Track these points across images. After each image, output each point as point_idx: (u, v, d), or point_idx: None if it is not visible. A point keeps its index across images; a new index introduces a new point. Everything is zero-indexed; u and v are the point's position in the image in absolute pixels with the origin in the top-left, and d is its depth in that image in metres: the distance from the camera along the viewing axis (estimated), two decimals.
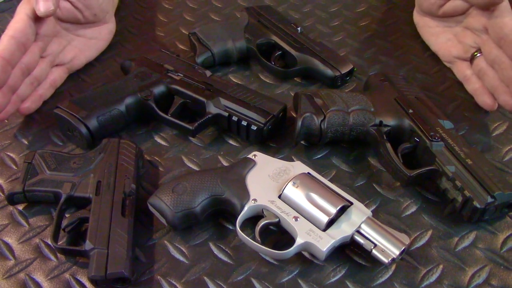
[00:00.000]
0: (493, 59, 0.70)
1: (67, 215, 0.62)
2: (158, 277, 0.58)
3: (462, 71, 0.77)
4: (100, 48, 0.84)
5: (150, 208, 0.61)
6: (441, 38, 0.81)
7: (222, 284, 0.58)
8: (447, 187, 0.62)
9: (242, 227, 0.60)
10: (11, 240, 0.62)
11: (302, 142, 0.72)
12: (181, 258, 0.60)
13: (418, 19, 0.85)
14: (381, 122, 0.68)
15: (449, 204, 0.64)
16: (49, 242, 0.60)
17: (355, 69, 0.79)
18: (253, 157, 0.65)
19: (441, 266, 0.59)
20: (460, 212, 0.62)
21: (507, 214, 0.63)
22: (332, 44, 0.87)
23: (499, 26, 0.68)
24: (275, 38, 0.82)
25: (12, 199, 0.63)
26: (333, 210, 0.58)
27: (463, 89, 0.78)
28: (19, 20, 0.69)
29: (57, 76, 0.78)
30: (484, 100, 0.73)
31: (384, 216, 0.64)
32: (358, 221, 0.58)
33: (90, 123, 0.68)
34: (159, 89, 0.73)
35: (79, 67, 0.81)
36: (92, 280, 0.56)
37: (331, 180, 0.64)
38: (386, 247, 0.56)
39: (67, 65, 0.79)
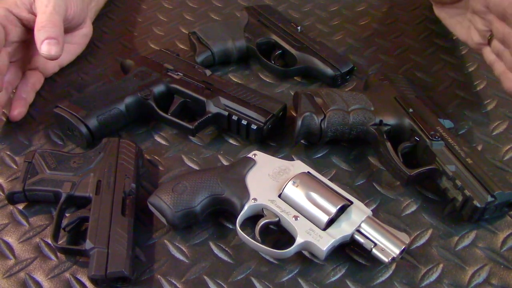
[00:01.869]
0: (502, 38, 0.66)
1: (67, 215, 0.62)
2: (158, 276, 0.58)
3: (488, 56, 0.72)
4: (73, 52, 0.83)
5: (150, 207, 0.61)
6: (462, 27, 0.77)
7: (222, 283, 0.58)
8: (447, 187, 0.62)
9: (242, 227, 0.60)
10: (11, 239, 0.62)
11: (302, 141, 0.72)
12: (181, 257, 0.60)
13: (439, 12, 0.83)
14: (381, 121, 0.68)
15: (449, 203, 0.64)
16: (49, 242, 0.60)
17: (355, 68, 0.79)
18: (253, 156, 0.65)
19: (441, 265, 0.59)
20: (460, 211, 0.62)
21: (507, 213, 0.63)
22: (332, 43, 0.87)
23: (497, 1, 0.64)
24: (275, 37, 0.82)
25: (12, 199, 0.63)
26: (333, 209, 0.58)
27: (463, 88, 0.78)
28: None
29: (36, 80, 0.77)
30: (507, 85, 0.67)
31: (384, 215, 0.64)
32: (358, 220, 0.58)
33: (90, 122, 0.68)
34: (159, 89, 0.73)
35: (53, 70, 0.81)
36: (92, 279, 0.56)
37: (331, 179, 0.64)
38: (386, 246, 0.56)
39: (40, 68, 0.78)
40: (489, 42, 0.70)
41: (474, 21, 0.72)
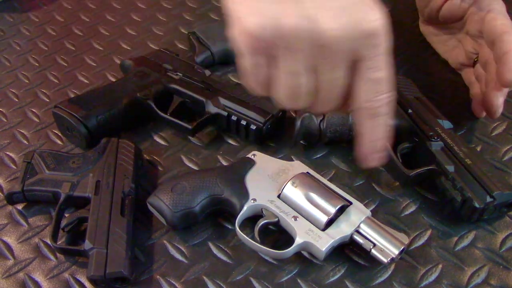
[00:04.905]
0: (485, 62, 0.70)
1: (66, 215, 0.62)
2: (157, 276, 0.58)
3: (468, 77, 0.77)
4: None
5: (149, 207, 0.61)
6: (448, 45, 0.81)
7: (221, 284, 0.58)
8: (446, 187, 0.62)
9: (242, 227, 0.60)
10: (10, 239, 0.62)
11: (301, 141, 0.72)
12: (180, 258, 0.60)
13: (424, 28, 0.86)
14: None
15: (448, 203, 0.64)
16: (49, 242, 0.60)
17: None
18: (253, 156, 0.65)
19: (440, 266, 0.59)
20: (459, 212, 0.62)
21: (506, 213, 0.63)
22: None
23: (490, 29, 0.68)
24: None
25: (11, 199, 0.63)
26: (332, 210, 0.58)
27: (462, 89, 0.78)
28: None
29: None
30: (473, 106, 0.74)
31: (383, 215, 0.64)
32: (357, 221, 0.58)
33: (89, 122, 0.68)
34: (158, 89, 0.73)
35: None
36: (91, 280, 0.56)
37: (330, 180, 0.64)
38: (385, 246, 0.56)
39: None
40: (473, 64, 0.75)
41: (464, 42, 0.77)
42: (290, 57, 0.44)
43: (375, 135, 0.49)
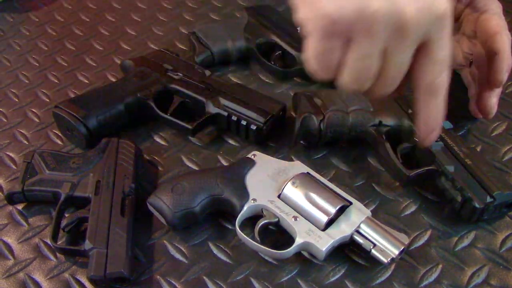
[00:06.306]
0: (478, 63, 0.70)
1: (66, 215, 0.62)
2: (158, 276, 0.58)
3: (466, 77, 0.77)
4: None
5: (150, 207, 0.61)
6: None
7: (221, 284, 0.58)
8: (446, 187, 0.62)
9: (242, 227, 0.60)
10: (10, 239, 0.62)
11: (301, 142, 0.72)
12: (181, 258, 0.60)
13: None
14: (380, 122, 0.68)
15: (449, 204, 0.64)
16: (49, 242, 0.60)
17: None
18: (253, 156, 0.65)
19: (440, 266, 0.59)
20: (460, 212, 0.62)
21: (506, 213, 0.63)
22: None
23: (483, 30, 0.68)
24: (274, 38, 0.82)
25: (11, 199, 0.63)
26: (332, 210, 0.58)
27: (462, 89, 0.78)
28: None
29: None
30: (471, 106, 0.73)
31: (383, 216, 0.64)
32: (358, 221, 0.58)
33: (89, 122, 0.68)
34: (158, 89, 0.73)
35: None
36: (92, 280, 0.56)
37: (330, 180, 0.64)
38: (385, 247, 0.56)
39: None
40: (470, 65, 0.75)
41: (461, 42, 0.76)
42: (367, 40, 0.44)
43: (434, 113, 0.52)
